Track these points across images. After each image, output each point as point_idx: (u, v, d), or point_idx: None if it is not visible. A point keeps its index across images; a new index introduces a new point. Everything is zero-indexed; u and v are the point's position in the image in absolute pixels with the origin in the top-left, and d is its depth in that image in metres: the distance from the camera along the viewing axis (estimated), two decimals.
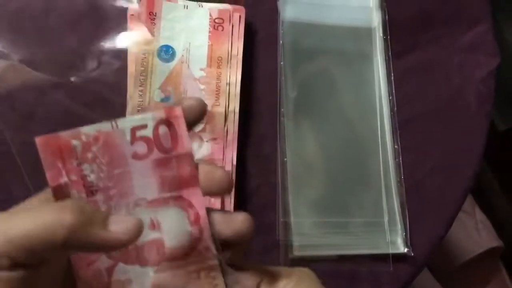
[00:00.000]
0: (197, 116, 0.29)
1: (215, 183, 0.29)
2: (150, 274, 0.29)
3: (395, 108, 0.53)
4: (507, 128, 1.14)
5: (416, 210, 0.50)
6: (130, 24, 0.50)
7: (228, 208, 0.47)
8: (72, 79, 0.49)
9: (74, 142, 0.27)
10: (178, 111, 0.28)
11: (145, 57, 0.48)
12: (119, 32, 0.51)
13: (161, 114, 0.28)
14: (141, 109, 0.47)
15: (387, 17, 0.55)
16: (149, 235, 0.29)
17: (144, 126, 0.28)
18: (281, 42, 0.52)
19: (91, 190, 0.28)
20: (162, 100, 0.48)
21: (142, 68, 0.48)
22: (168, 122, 0.28)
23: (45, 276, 0.25)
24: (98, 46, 0.51)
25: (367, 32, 0.55)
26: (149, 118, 0.28)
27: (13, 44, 0.50)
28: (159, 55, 0.48)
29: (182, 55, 0.49)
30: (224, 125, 0.48)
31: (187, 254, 0.29)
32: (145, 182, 0.29)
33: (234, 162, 0.48)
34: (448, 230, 0.51)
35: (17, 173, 0.46)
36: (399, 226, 0.49)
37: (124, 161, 0.28)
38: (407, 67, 0.55)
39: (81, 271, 0.28)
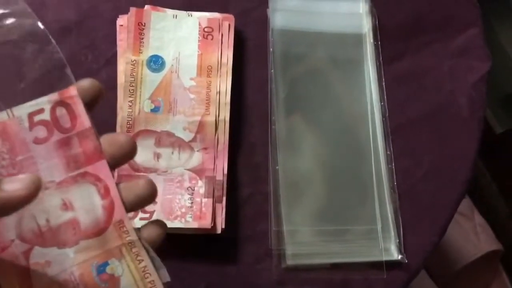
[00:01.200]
0: (92, 97, 0.30)
1: (118, 148, 0.29)
2: (70, 255, 0.29)
3: (387, 114, 0.53)
4: (504, 131, 1.14)
5: (410, 217, 0.50)
6: (119, 34, 0.50)
7: (219, 217, 0.46)
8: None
9: None
10: (73, 91, 0.29)
11: (135, 68, 0.48)
12: (108, 43, 0.51)
13: (55, 96, 0.29)
14: (131, 120, 0.47)
15: (377, 22, 0.55)
16: (62, 216, 0.29)
17: (41, 111, 0.29)
18: (271, 50, 0.52)
19: None
20: (152, 111, 0.48)
21: (132, 79, 0.48)
22: (64, 103, 0.29)
23: None
24: (87, 56, 0.51)
25: (358, 38, 0.55)
26: (44, 102, 0.29)
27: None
28: (148, 65, 0.48)
29: (172, 65, 0.49)
30: (215, 135, 0.48)
31: (103, 229, 0.30)
32: (50, 164, 0.29)
33: (226, 171, 0.47)
34: (442, 236, 0.51)
35: None
36: (392, 233, 0.49)
37: (26, 147, 0.29)
38: (398, 72, 0.55)
39: None
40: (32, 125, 0.29)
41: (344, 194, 0.50)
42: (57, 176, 0.29)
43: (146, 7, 0.50)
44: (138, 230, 0.30)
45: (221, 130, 0.48)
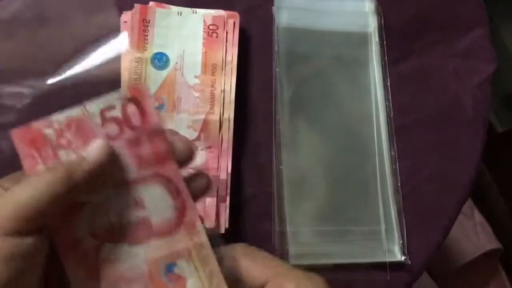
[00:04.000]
0: (185, 158, 0.30)
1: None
2: (140, 253, 0.30)
3: (392, 114, 0.53)
4: (505, 130, 1.14)
5: (413, 217, 0.50)
6: (123, 31, 0.50)
7: (223, 217, 0.46)
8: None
9: (47, 131, 0.28)
10: (143, 88, 0.30)
11: (139, 65, 0.48)
12: (112, 40, 0.50)
13: (126, 93, 0.30)
14: None
15: (383, 22, 0.55)
16: (134, 215, 0.30)
17: (112, 107, 0.29)
18: (276, 48, 0.52)
19: None
20: (156, 108, 0.47)
21: (136, 76, 0.47)
22: (134, 100, 0.30)
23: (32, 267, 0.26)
24: (91, 53, 0.50)
25: (363, 37, 0.55)
26: (116, 98, 0.29)
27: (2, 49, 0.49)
28: (152, 63, 0.48)
29: (176, 63, 0.48)
30: (219, 133, 0.48)
31: (173, 230, 0.30)
32: (122, 162, 0.30)
33: (229, 171, 0.47)
34: (446, 237, 0.51)
35: None
36: (396, 234, 0.49)
37: None
38: (403, 72, 0.55)
39: (67, 254, 0.28)
40: (104, 121, 0.29)
41: (348, 195, 0.50)
42: (129, 174, 0.30)
43: (151, 3, 0.50)
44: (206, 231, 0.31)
45: (225, 129, 0.48)
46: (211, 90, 0.48)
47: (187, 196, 0.30)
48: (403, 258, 0.48)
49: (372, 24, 0.55)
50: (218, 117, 0.48)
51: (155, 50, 0.48)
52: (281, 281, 0.30)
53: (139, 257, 0.30)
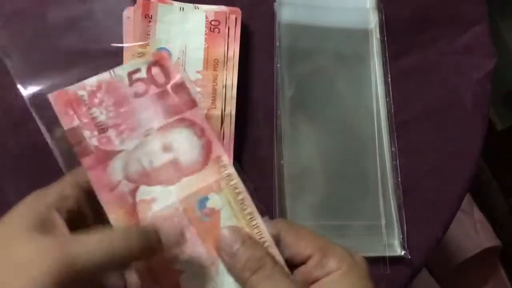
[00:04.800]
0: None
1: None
2: (173, 192, 0.32)
3: (392, 110, 0.53)
4: (505, 128, 1.14)
5: (413, 213, 0.50)
6: (125, 26, 0.50)
7: None
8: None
9: (81, 92, 0.32)
10: (165, 54, 0.34)
11: None
12: (114, 35, 0.51)
13: (151, 58, 0.34)
14: None
15: (384, 18, 0.55)
16: (164, 157, 0.33)
17: (138, 70, 0.34)
18: (277, 44, 0.52)
19: (102, 128, 0.32)
20: None
21: None
22: (158, 63, 0.34)
23: None
24: (93, 49, 0.51)
25: (364, 33, 0.55)
26: (141, 63, 0.34)
27: (8, 46, 0.49)
28: None
29: (178, 58, 0.49)
30: (221, 128, 0.48)
31: (202, 166, 0.33)
32: (149, 114, 0.33)
33: None
34: (445, 232, 0.51)
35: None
36: (396, 229, 0.49)
37: (127, 100, 0.33)
38: (404, 68, 0.55)
39: (104, 196, 0.31)
40: (131, 82, 0.33)
41: (349, 189, 0.50)
42: (156, 123, 0.33)
43: None
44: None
45: (226, 124, 0.48)
46: (213, 85, 0.49)
47: (211, 134, 0.33)
48: (403, 252, 0.48)
49: (373, 21, 0.55)
50: (219, 112, 0.48)
51: (158, 46, 0.48)
52: (325, 254, 0.31)
53: (173, 196, 0.32)
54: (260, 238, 0.32)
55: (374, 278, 0.48)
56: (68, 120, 0.31)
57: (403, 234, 0.49)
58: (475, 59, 0.56)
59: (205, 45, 0.49)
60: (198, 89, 0.48)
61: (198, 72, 0.49)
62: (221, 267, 0.31)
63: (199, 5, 0.50)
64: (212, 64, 0.49)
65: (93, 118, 0.32)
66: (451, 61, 0.56)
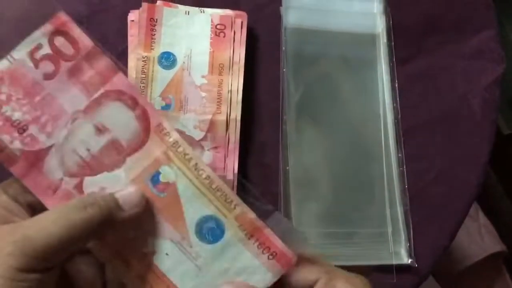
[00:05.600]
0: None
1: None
2: (121, 175, 0.29)
3: (399, 116, 0.52)
4: (511, 132, 1.13)
5: (420, 220, 0.50)
6: (130, 30, 0.49)
7: None
8: None
9: None
10: (64, 17, 0.29)
11: (146, 64, 0.47)
12: (118, 38, 0.50)
13: (48, 27, 0.29)
14: None
15: (391, 22, 0.55)
16: (100, 141, 0.29)
17: (39, 46, 0.29)
18: (283, 48, 0.52)
19: (21, 127, 0.28)
20: (163, 108, 0.47)
21: (143, 75, 0.47)
22: (59, 31, 0.29)
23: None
24: None
25: (371, 38, 0.54)
26: (39, 37, 0.28)
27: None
28: (159, 62, 0.48)
29: (183, 62, 0.48)
30: (226, 133, 0.47)
31: (144, 139, 0.30)
32: (69, 95, 0.29)
33: (236, 171, 0.47)
34: (452, 240, 0.51)
35: None
36: (403, 236, 0.49)
37: (39, 86, 0.29)
38: (411, 73, 0.54)
39: (49, 200, 0.28)
40: (36, 62, 0.29)
41: (354, 196, 0.50)
42: (80, 104, 0.29)
43: (158, 2, 0.50)
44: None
45: (232, 129, 0.48)
46: (218, 90, 0.48)
47: (144, 101, 0.30)
48: (409, 260, 0.48)
49: (380, 25, 0.54)
50: (225, 117, 0.48)
51: (163, 50, 0.48)
52: (331, 277, 0.30)
53: (122, 179, 0.29)
54: (226, 200, 0.30)
55: (380, 286, 0.48)
56: None
57: (409, 242, 0.48)
58: (483, 64, 0.55)
59: (210, 49, 0.49)
60: (203, 94, 0.48)
61: (203, 76, 0.48)
62: (193, 238, 0.29)
63: (204, 9, 0.50)
64: (217, 68, 0.49)
65: (7, 118, 0.28)
66: (459, 66, 0.55)
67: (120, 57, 0.50)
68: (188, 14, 0.49)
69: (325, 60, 0.53)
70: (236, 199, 0.30)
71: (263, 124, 0.51)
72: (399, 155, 0.51)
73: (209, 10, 0.50)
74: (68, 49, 0.29)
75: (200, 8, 0.50)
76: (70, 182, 0.29)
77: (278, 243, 0.30)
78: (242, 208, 0.30)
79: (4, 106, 0.28)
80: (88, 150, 0.29)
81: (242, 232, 0.30)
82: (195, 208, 0.30)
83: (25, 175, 0.28)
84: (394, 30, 0.55)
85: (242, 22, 0.50)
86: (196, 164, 0.30)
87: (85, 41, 0.29)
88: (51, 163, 0.28)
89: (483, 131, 0.54)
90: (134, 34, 0.49)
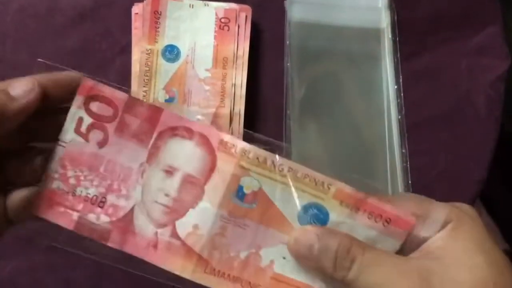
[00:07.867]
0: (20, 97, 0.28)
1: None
2: (207, 205, 0.29)
3: (403, 111, 0.52)
4: None
5: None
6: (134, 23, 0.49)
7: None
8: None
9: (54, 185, 0.29)
10: (88, 82, 0.29)
11: (150, 57, 0.47)
12: (122, 31, 0.50)
13: (80, 99, 0.29)
14: None
15: (396, 18, 0.54)
16: (175, 182, 0.29)
17: (81, 120, 0.29)
18: (287, 42, 0.52)
19: (100, 201, 0.29)
20: (167, 101, 0.47)
21: (147, 68, 0.47)
22: (91, 97, 0.29)
23: None
24: (101, 44, 0.50)
25: (376, 33, 0.54)
26: (76, 112, 0.29)
27: (15, 43, 0.49)
28: (163, 55, 0.48)
29: (187, 55, 0.48)
30: (229, 127, 0.47)
31: (213, 159, 0.29)
32: (128, 153, 0.29)
33: None
34: None
35: None
36: None
37: (98, 157, 0.29)
38: (416, 69, 0.54)
39: (155, 258, 0.28)
40: (85, 136, 0.29)
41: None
42: (141, 156, 0.29)
43: None
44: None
45: (235, 123, 0.48)
46: (222, 84, 0.48)
47: (197, 127, 0.29)
48: None
49: (385, 20, 0.54)
50: (228, 111, 0.47)
51: (166, 42, 0.48)
52: (428, 211, 0.29)
53: (210, 209, 0.29)
54: (316, 184, 0.29)
55: None
56: (66, 221, 0.29)
57: None
58: (488, 60, 0.55)
59: (214, 42, 0.49)
60: (207, 88, 0.48)
61: (207, 70, 0.48)
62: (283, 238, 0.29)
63: (209, 2, 0.50)
64: (221, 62, 0.48)
65: (85, 198, 0.29)
66: (464, 63, 0.55)
67: (124, 50, 0.50)
68: (193, 7, 0.49)
69: (330, 54, 0.53)
70: (327, 179, 0.30)
71: (266, 119, 0.51)
72: (403, 151, 0.51)
73: (213, 4, 0.50)
74: (107, 111, 0.29)
75: (204, 2, 0.50)
76: (164, 232, 0.29)
77: (387, 208, 0.29)
78: (336, 185, 0.30)
79: (78, 188, 0.29)
80: (167, 195, 0.29)
81: (347, 208, 0.29)
82: (290, 203, 0.29)
83: (123, 243, 0.28)
84: (399, 25, 0.54)
85: (246, 16, 0.50)
86: (273, 162, 0.29)
87: (119, 95, 0.29)
88: (140, 221, 0.29)
89: (487, 128, 0.54)
90: (138, 27, 0.49)
